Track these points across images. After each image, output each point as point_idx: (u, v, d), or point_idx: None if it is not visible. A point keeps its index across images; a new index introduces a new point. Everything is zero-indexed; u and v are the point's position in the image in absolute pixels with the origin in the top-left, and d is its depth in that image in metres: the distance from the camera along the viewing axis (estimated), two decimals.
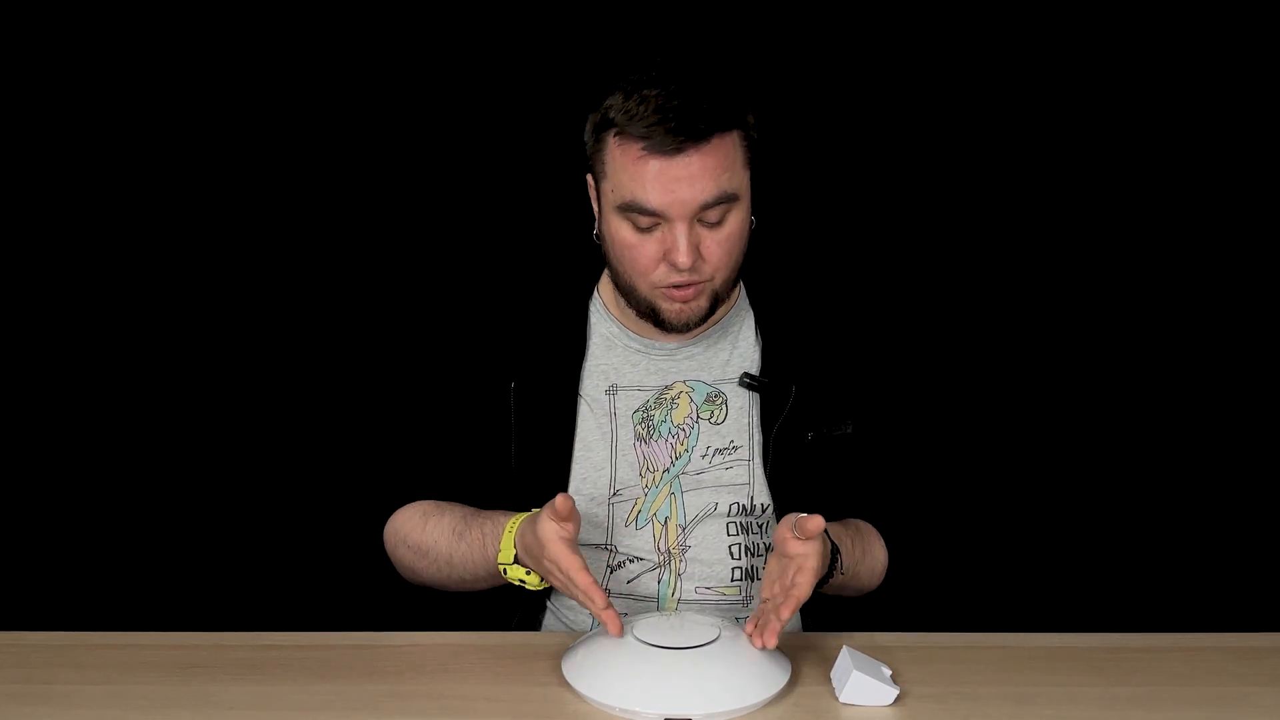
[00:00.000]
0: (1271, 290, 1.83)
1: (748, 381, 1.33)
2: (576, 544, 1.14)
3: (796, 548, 1.12)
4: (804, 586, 1.10)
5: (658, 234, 1.22)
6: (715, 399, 1.34)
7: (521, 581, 1.22)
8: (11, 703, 1.07)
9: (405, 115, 1.80)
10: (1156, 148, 1.80)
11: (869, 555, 1.33)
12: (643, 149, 1.18)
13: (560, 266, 1.44)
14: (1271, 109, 1.78)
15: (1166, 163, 1.80)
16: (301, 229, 1.82)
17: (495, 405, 1.33)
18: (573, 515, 1.13)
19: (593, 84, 1.29)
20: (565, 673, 1.10)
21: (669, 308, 1.26)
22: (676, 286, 1.24)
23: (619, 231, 1.24)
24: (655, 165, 1.18)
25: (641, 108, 1.17)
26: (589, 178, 1.30)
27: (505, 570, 1.21)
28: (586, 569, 1.11)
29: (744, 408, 1.34)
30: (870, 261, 1.82)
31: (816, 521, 1.09)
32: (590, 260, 1.39)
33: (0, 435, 1.84)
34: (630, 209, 1.21)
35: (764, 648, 1.09)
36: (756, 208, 1.29)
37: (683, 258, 1.20)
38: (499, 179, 1.81)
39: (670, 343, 1.35)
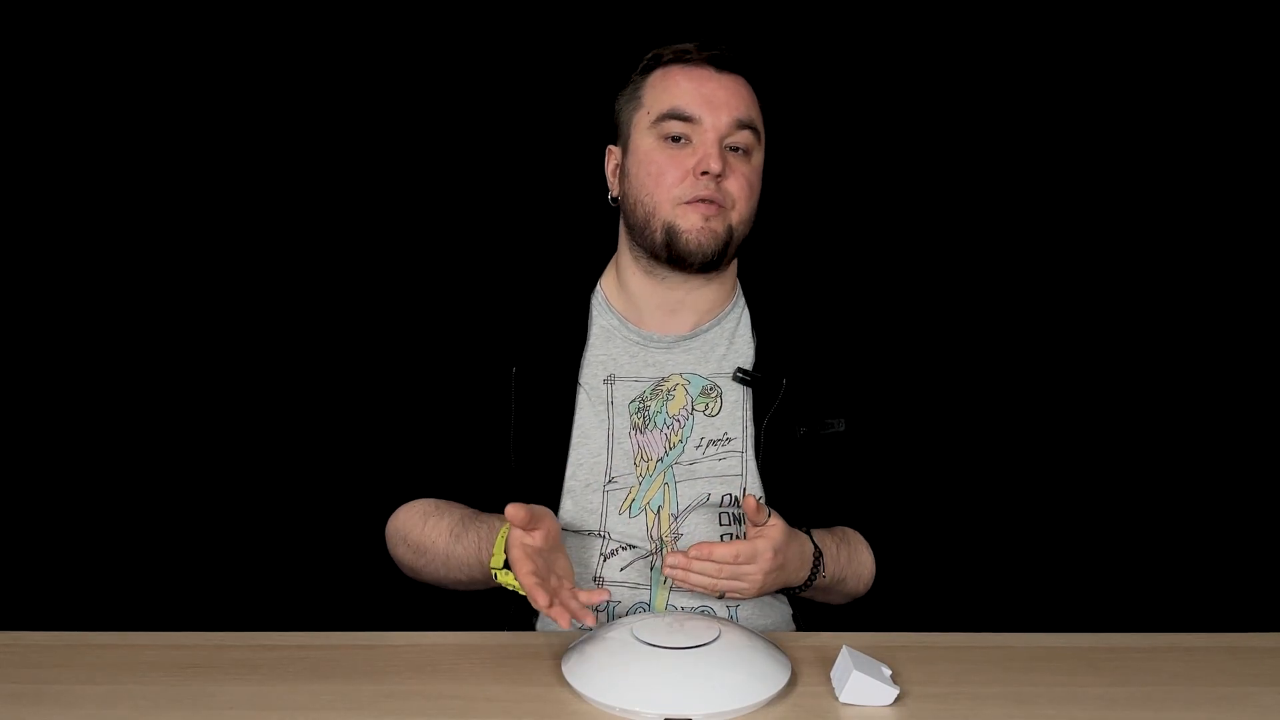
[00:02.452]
0: (1271, 290, 1.83)
1: (741, 376, 1.36)
2: (540, 549, 1.15)
3: (755, 534, 1.19)
4: (753, 571, 1.18)
5: (688, 149, 1.30)
6: (710, 392, 1.36)
7: (512, 588, 1.22)
8: (11, 703, 1.07)
9: (409, 107, 1.80)
10: (1155, 143, 1.80)
11: (855, 561, 1.34)
12: (681, 67, 1.33)
13: (564, 258, 1.48)
14: (1272, 109, 1.78)
15: (1165, 158, 1.80)
16: (309, 223, 1.83)
17: (496, 390, 1.35)
18: (530, 523, 1.14)
19: (598, 79, 1.39)
20: (565, 673, 1.10)
21: (688, 226, 1.30)
22: (702, 201, 1.29)
23: (651, 154, 1.32)
24: (692, 78, 1.32)
25: (680, 47, 1.35)
26: (610, 149, 1.40)
27: (495, 575, 1.22)
28: (534, 573, 1.13)
29: (738, 401, 1.36)
30: (865, 262, 1.83)
31: (748, 500, 1.19)
32: (594, 254, 1.42)
33: (0, 435, 1.84)
34: (668, 116, 1.31)
35: (669, 570, 1.18)
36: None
37: (714, 162, 1.28)
38: (505, 171, 1.81)
39: (668, 335, 1.37)
